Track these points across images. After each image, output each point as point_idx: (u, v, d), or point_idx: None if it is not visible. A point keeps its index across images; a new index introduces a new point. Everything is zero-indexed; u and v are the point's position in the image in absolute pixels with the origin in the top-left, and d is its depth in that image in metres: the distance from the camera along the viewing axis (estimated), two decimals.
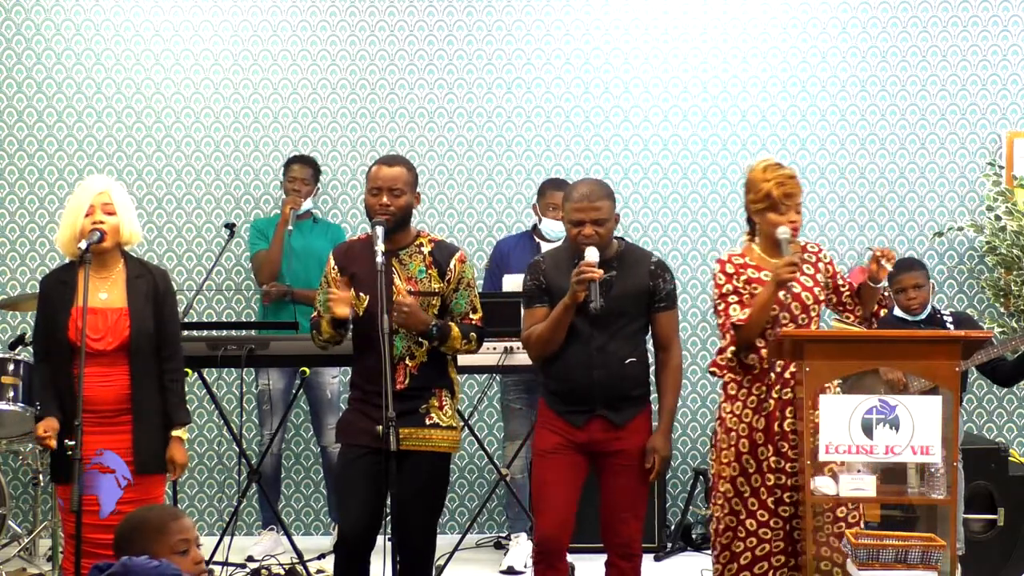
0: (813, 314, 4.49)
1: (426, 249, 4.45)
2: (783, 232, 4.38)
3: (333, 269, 4.47)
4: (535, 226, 6.29)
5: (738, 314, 4.38)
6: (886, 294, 5.40)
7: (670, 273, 4.52)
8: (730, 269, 4.47)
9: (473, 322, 4.48)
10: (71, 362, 4.24)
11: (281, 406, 6.20)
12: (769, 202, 4.44)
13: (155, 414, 4.31)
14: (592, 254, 4.30)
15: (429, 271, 4.41)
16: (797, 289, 4.44)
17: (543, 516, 4.45)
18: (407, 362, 4.37)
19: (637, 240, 6.76)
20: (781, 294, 4.38)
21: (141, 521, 3.39)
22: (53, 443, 4.20)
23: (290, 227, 6.25)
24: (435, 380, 4.43)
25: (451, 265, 4.43)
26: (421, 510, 4.37)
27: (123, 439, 4.26)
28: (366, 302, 4.37)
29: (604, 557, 4.53)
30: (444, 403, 4.44)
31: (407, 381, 4.36)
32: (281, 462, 6.54)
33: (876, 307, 4.69)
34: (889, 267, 4.48)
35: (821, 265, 4.57)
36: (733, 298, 4.42)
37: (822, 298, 4.52)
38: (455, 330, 4.39)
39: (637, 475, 4.43)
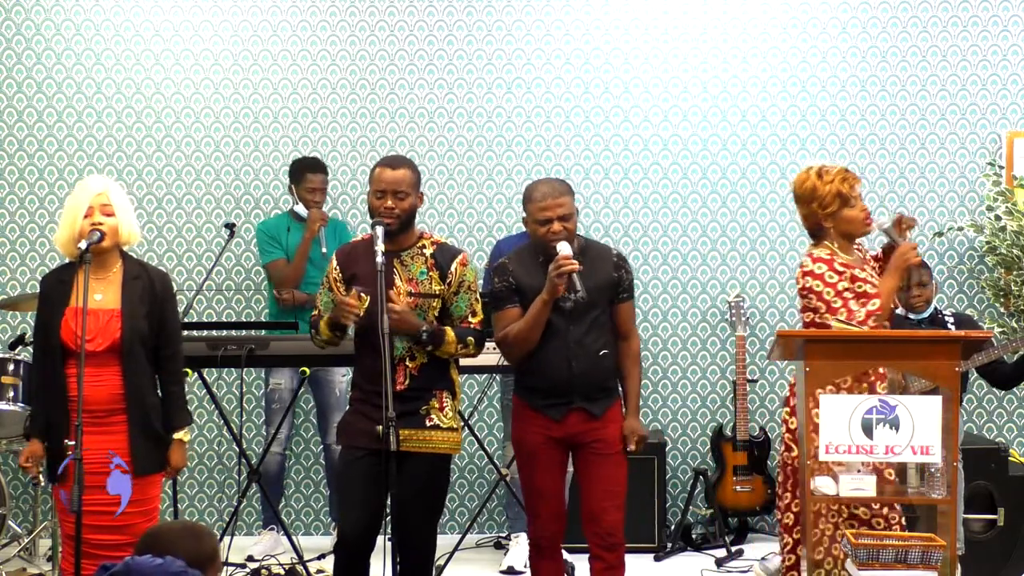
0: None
1: (428, 251, 4.46)
2: (884, 222, 4.49)
3: (335, 269, 4.48)
4: None
5: (865, 307, 4.37)
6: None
7: (629, 264, 4.66)
8: (839, 267, 4.45)
9: (472, 325, 4.48)
10: (63, 362, 4.24)
11: (289, 405, 6.19)
12: (840, 200, 4.47)
13: (150, 415, 4.30)
14: (565, 248, 4.39)
15: (430, 273, 4.42)
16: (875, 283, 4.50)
17: (535, 511, 4.55)
18: (407, 363, 4.37)
19: (637, 240, 6.76)
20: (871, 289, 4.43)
21: (197, 553, 3.27)
22: (34, 471, 4.36)
23: (324, 249, 6.24)
24: (436, 381, 4.43)
25: (452, 267, 4.43)
26: (421, 511, 4.37)
27: (117, 439, 4.25)
28: (367, 302, 4.37)
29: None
30: (445, 404, 4.43)
31: (407, 382, 4.36)
32: (285, 462, 6.54)
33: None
34: (907, 234, 4.57)
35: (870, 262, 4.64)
36: (849, 294, 4.41)
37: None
38: (450, 335, 4.39)
39: (616, 463, 4.52)
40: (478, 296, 4.53)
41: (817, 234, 4.57)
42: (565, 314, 4.46)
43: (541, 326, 4.44)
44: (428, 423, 4.39)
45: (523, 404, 4.57)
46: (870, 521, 4.42)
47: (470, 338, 4.46)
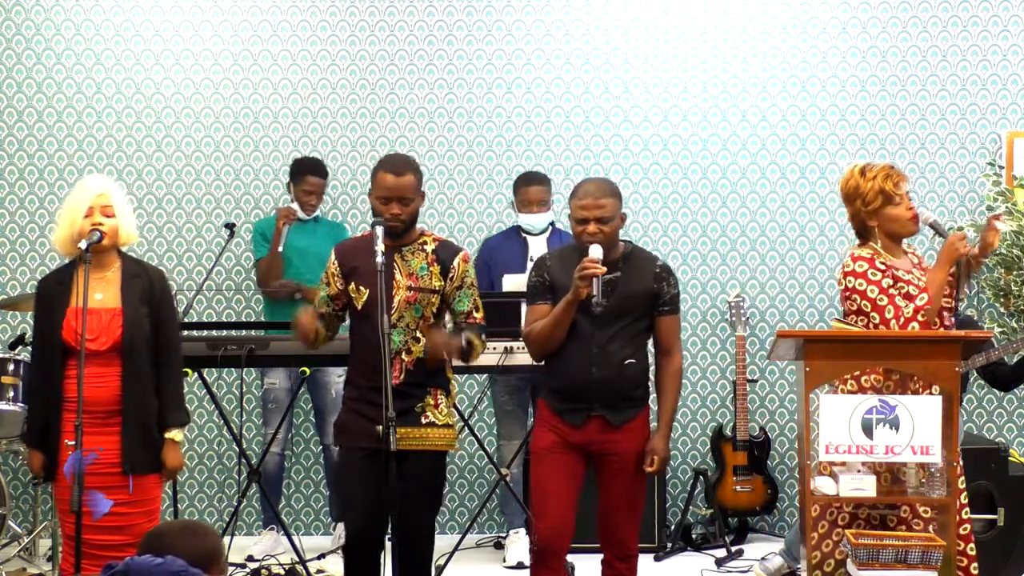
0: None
1: (429, 247, 4.47)
2: (929, 216, 4.44)
3: (334, 264, 4.48)
4: (517, 224, 6.31)
5: (913, 303, 4.30)
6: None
7: (675, 278, 4.53)
8: (881, 266, 4.37)
9: (477, 320, 4.50)
10: (64, 363, 4.24)
11: (287, 405, 6.20)
12: (884, 197, 4.39)
13: (147, 415, 4.29)
14: (595, 251, 4.31)
15: (431, 268, 4.43)
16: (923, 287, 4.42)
17: (543, 518, 4.45)
18: (403, 357, 4.37)
19: (637, 240, 6.75)
20: (914, 291, 4.36)
21: (197, 551, 3.25)
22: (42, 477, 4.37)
23: (280, 248, 6.28)
24: (431, 377, 4.44)
25: (455, 264, 4.45)
26: (421, 509, 4.38)
27: (116, 440, 4.25)
28: (365, 295, 4.38)
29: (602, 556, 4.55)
30: (439, 401, 4.45)
31: (403, 376, 4.36)
32: (284, 462, 6.54)
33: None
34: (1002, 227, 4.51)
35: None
36: (894, 290, 4.33)
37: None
38: (475, 340, 4.46)
39: (634, 478, 4.45)
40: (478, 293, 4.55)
41: (863, 234, 4.48)
42: (593, 318, 4.37)
43: (564, 327, 4.39)
44: (424, 420, 4.40)
45: (545, 407, 4.51)
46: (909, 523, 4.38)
47: (483, 335, 4.51)
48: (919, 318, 4.29)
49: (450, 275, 4.44)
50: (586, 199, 4.38)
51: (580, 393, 4.40)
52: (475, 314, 4.50)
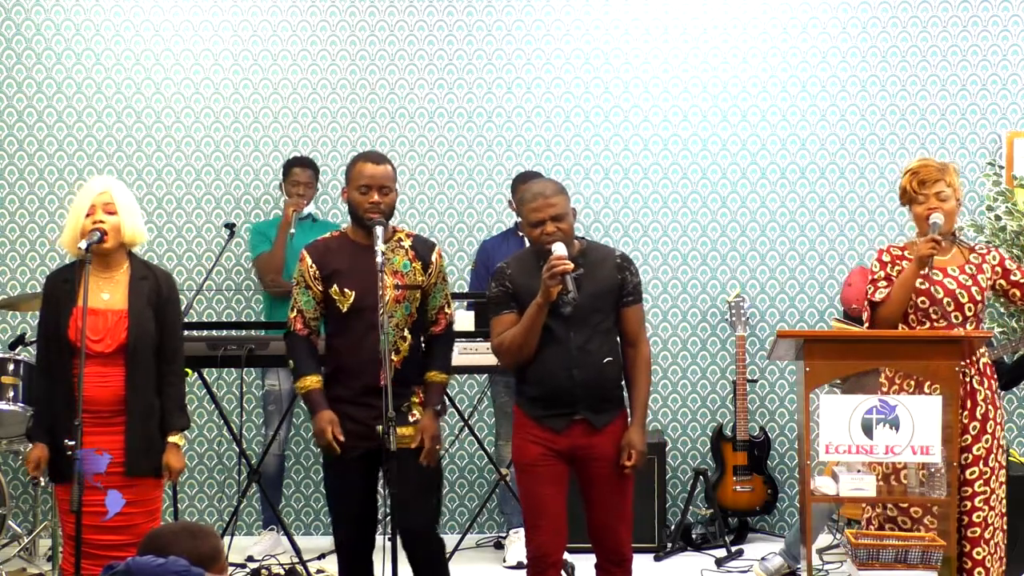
0: (969, 313, 4.49)
1: (406, 243, 4.50)
2: (935, 218, 4.49)
3: (311, 268, 4.46)
4: (517, 223, 6.31)
5: (879, 295, 4.48)
6: None
7: (635, 266, 4.48)
8: (886, 258, 4.57)
9: (448, 315, 4.56)
10: (71, 362, 4.24)
11: (288, 406, 6.20)
12: (907, 196, 4.58)
13: (150, 417, 4.29)
14: (560, 248, 4.25)
15: (413, 264, 4.47)
16: (953, 286, 4.47)
17: (537, 530, 4.38)
18: (392, 357, 4.38)
19: (637, 240, 6.76)
20: (934, 289, 4.44)
21: (196, 552, 3.26)
22: (41, 478, 4.36)
23: (292, 230, 6.28)
24: (415, 377, 4.49)
25: (432, 258, 4.51)
26: (423, 504, 4.41)
27: (118, 440, 4.25)
28: (351, 299, 4.39)
29: None
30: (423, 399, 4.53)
31: (391, 375, 4.36)
32: (284, 463, 6.55)
33: None
34: None
35: (987, 267, 4.57)
36: (882, 283, 4.52)
37: (979, 298, 4.51)
38: (441, 377, 4.56)
39: (619, 481, 4.37)
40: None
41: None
42: (565, 320, 4.30)
43: (537, 332, 4.29)
44: (411, 418, 4.45)
45: (523, 415, 4.41)
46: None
47: (448, 364, 4.60)
48: (867, 307, 4.50)
49: (429, 270, 4.49)
50: (537, 200, 4.31)
51: (562, 398, 4.32)
52: (447, 308, 4.57)
